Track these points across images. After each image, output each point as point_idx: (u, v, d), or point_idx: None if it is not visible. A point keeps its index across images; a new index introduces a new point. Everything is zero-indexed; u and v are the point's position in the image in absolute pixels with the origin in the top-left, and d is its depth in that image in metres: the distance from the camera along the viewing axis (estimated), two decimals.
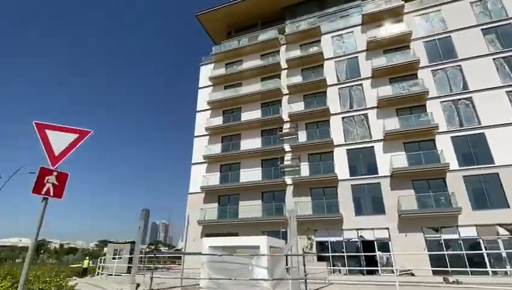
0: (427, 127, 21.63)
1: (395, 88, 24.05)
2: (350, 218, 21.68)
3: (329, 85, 26.62)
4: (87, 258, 25.77)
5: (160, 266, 29.20)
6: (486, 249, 18.46)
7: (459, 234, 19.24)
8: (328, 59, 27.78)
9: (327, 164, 23.91)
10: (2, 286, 7.14)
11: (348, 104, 25.47)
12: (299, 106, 26.84)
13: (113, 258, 23.77)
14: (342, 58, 27.42)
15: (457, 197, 19.62)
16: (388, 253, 19.91)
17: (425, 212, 19.90)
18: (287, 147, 25.51)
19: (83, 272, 22.51)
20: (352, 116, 24.89)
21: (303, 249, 15.87)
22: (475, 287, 12.19)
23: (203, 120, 30.22)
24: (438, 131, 21.62)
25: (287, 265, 9.31)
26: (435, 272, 17.13)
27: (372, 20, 27.31)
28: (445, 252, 18.65)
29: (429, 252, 18.86)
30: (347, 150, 23.85)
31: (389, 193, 21.37)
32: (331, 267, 19.81)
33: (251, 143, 27.29)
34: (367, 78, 25.56)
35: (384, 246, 20.42)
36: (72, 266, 36.44)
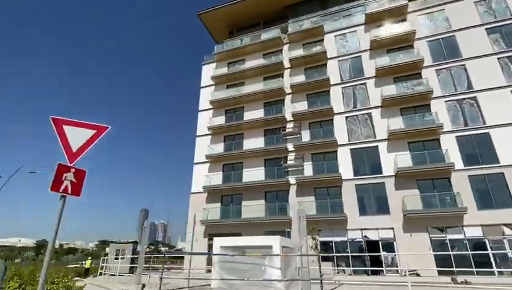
0: (431, 126, 21.53)
1: (399, 87, 23.94)
2: (354, 218, 21.55)
3: (333, 84, 26.51)
4: (90, 258, 25.59)
5: (161, 266, 29.04)
6: (491, 249, 18.36)
7: (464, 234, 19.14)
8: (331, 58, 27.66)
9: (331, 164, 23.79)
10: (9, 287, 7.00)
11: (352, 104, 25.36)
12: (302, 106, 26.72)
13: (116, 259, 23.62)
14: (345, 57, 27.30)
15: (462, 197, 19.53)
16: (393, 253, 19.80)
17: (430, 212, 19.79)
18: (290, 147, 25.38)
19: (85, 273, 22.33)
20: (356, 115, 24.77)
21: (312, 249, 15.76)
22: (484, 287, 12.10)
23: (206, 119, 30.07)
24: (443, 130, 21.52)
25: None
26: (440, 273, 17.06)
27: (376, 19, 27.21)
28: (450, 253, 18.53)
29: (434, 253, 18.75)
30: (351, 149, 23.74)
31: (393, 193, 21.26)
32: (336, 268, 19.70)
33: (254, 143, 27.16)
34: (371, 78, 25.45)
35: (389, 246, 20.31)
36: (69, 266, 36.24)
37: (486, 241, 18.64)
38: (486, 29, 23.76)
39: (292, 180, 24.25)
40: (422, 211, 19.98)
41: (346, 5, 30.59)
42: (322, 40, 28.92)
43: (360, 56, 26.71)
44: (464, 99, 22.36)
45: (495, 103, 21.17)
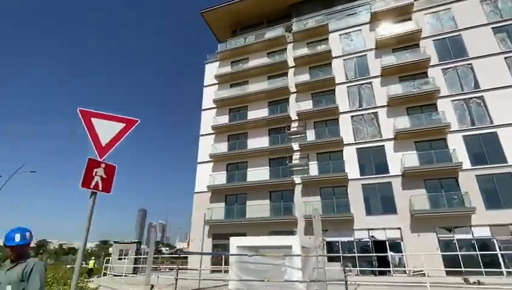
0: (438, 126, 21.38)
1: (405, 87, 23.80)
2: (361, 218, 21.38)
3: (338, 83, 26.34)
4: (93, 258, 25.32)
5: (162, 266, 28.80)
6: (500, 250, 18.21)
7: (472, 234, 19.00)
8: (336, 57, 27.50)
9: (337, 163, 23.61)
10: None
11: (357, 103, 25.19)
12: (307, 105, 26.54)
13: (119, 259, 23.38)
14: (350, 56, 27.14)
15: (470, 197, 19.39)
16: (400, 253, 19.64)
17: (438, 212, 19.64)
18: (295, 146, 25.18)
19: (89, 273, 22.05)
20: (362, 114, 24.61)
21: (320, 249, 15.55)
22: (497, 287, 11.96)
23: (209, 118, 29.84)
24: (450, 130, 21.39)
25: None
26: (448, 273, 16.93)
27: (381, 18, 27.07)
28: (458, 253, 18.39)
29: (442, 253, 18.59)
30: (357, 149, 23.57)
31: (400, 193, 21.10)
32: (341, 268, 19.49)
33: (258, 142, 26.95)
34: (376, 77, 25.29)
35: (396, 246, 20.15)
36: (69, 266, 35.90)
37: (495, 241, 18.50)
38: (492, 28, 23.65)
39: (297, 179, 24.06)
40: (430, 211, 19.83)
41: (350, 4, 30.44)
42: (327, 39, 28.74)
43: (365, 55, 26.55)
44: (471, 98, 22.23)
45: (502, 102, 21.04)
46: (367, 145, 23.43)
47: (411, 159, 21.53)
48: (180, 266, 9.85)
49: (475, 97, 22.13)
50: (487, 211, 19.05)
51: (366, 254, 19.84)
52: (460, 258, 18.06)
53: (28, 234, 2.55)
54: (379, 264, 19.76)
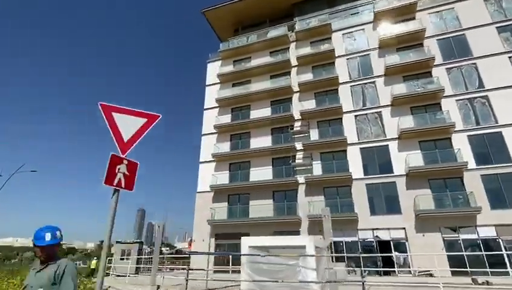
0: (443, 125, 21.30)
1: (410, 86, 23.73)
2: (365, 218, 21.28)
3: (341, 83, 26.23)
4: (95, 258, 25.14)
5: (164, 266, 28.58)
6: (506, 250, 18.13)
7: (477, 234, 18.92)
8: (339, 56, 27.38)
9: (340, 163, 23.51)
10: None
11: (361, 102, 25.09)
12: (310, 104, 26.42)
13: (121, 259, 23.20)
14: (353, 55, 27.04)
15: (475, 197, 19.31)
16: (405, 253, 19.54)
17: (443, 212, 19.55)
18: (298, 146, 25.05)
19: (91, 273, 21.87)
20: (366, 114, 24.51)
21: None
22: (505, 288, 11.86)
23: (211, 118, 29.68)
24: (455, 130, 21.31)
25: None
26: (453, 273, 16.84)
27: (384, 17, 26.97)
28: (464, 253, 18.30)
29: (448, 253, 18.50)
30: (361, 148, 23.47)
31: (405, 193, 21.01)
32: (347, 268, 19.38)
33: (261, 141, 26.82)
34: (380, 76, 25.20)
35: (401, 246, 20.06)
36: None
37: (500, 242, 18.42)
38: (496, 28, 23.58)
39: (301, 179, 23.93)
40: (435, 211, 19.73)
41: (353, 3, 30.36)
42: (330, 38, 28.64)
43: (368, 54, 26.45)
44: (475, 98, 22.15)
45: (507, 102, 20.96)
46: (371, 144, 23.33)
47: (415, 158, 21.43)
48: (189, 267, 9.71)
49: (479, 97, 22.05)
50: (492, 211, 18.97)
51: (371, 254, 19.72)
52: (465, 258, 17.99)
53: (58, 233, 2.40)
54: (384, 264, 19.66)
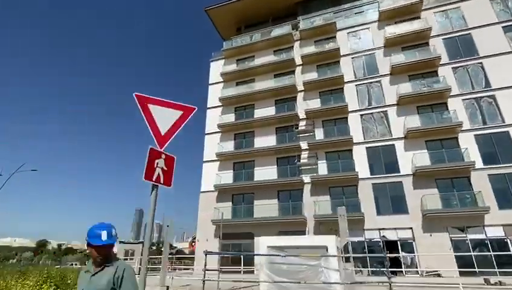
0: (450, 124, 21.18)
1: (416, 85, 23.62)
2: (372, 217, 21.12)
3: (347, 82, 26.08)
4: None
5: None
6: None
7: (485, 234, 18.80)
8: (344, 55, 27.23)
9: (346, 162, 23.35)
10: None
11: (367, 101, 24.95)
12: (314, 103, 26.23)
13: (124, 259, 22.97)
14: (358, 54, 26.89)
15: (483, 196, 19.20)
16: (412, 253, 19.40)
17: (450, 212, 19.42)
18: (303, 145, 24.87)
19: None
20: (371, 113, 24.36)
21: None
22: None
23: (214, 117, 29.45)
24: (461, 129, 21.19)
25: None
26: (461, 273, 16.70)
27: (390, 16, 26.85)
28: (472, 253, 18.18)
29: (455, 253, 18.38)
30: (366, 148, 23.31)
31: (411, 192, 20.88)
32: (354, 268, 19.22)
33: (265, 141, 26.62)
34: (385, 75, 25.07)
35: (408, 246, 19.92)
36: (71, 266, 35.29)
37: (508, 241, 18.30)
38: (503, 27, 23.49)
39: (306, 179, 23.74)
40: (442, 211, 19.61)
41: (357, 2, 30.20)
42: (334, 37, 28.48)
43: (374, 53, 26.32)
44: (482, 97, 22.05)
45: None
46: (377, 144, 23.18)
47: (422, 158, 21.30)
48: (205, 268, 9.46)
49: (486, 96, 21.95)
50: (500, 211, 18.86)
51: (378, 255, 19.54)
52: (473, 258, 17.88)
53: (114, 231, 2.18)
54: (391, 264, 19.46)
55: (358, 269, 20.29)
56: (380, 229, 20.83)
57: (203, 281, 7.85)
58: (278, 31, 30.74)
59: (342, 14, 29.90)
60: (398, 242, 20.14)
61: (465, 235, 19.11)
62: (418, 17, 26.27)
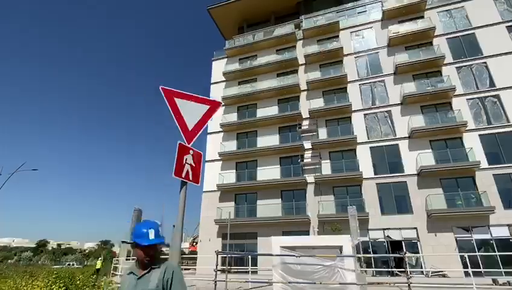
0: (455, 124, 21.09)
1: (420, 85, 23.55)
2: (376, 217, 21.02)
3: (350, 81, 25.98)
4: (101, 259, 24.70)
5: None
6: None
7: (491, 234, 18.72)
8: (347, 55, 27.14)
9: (350, 162, 23.24)
10: None
11: (370, 101, 24.85)
12: (317, 103, 26.14)
13: (127, 259, 22.74)
14: (362, 54, 26.80)
15: (488, 196, 19.12)
16: (417, 253, 19.30)
17: (455, 212, 19.32)
18: (306, 145, 24.75)
19: (96, 273, 21.44)
20: (375, 113, 24.27)
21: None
22: None
23: (216, 116, 29.26)
24: (466, 129, 21.12)
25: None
26: (467, 273, 16.57)
27: (393, 15, 26.77)
28: (477, 253, 18.07)
29: (461, 253, 18.25)
30: (370, 147, 23.22)
31: (416, 192, 20.78)
32: (360, 269, 19.12)
33: (268, 140, 26.48)
34: (389, 75, 24.98)
35: (413, 246, 19.82)
36: (70, 266, 35.09)
37: None
38: (507, 27, 23.44)
39: (309, 178, 23.63)
40: (447, 211, 19.50)
41: (360, 1, 30.10)
42: (337, 36, 28.39)
43: (377, 53, 26.23)
44: (486, 97, 21.98)
45: None
46: (381, 144, 23.08)
47: (427, 158, 21.22)
48: (216, 267, 9.34)
49: (491, 96, 21.89)
50: (506, 211, 18.78)
51: (384, 255, 19.50)
52: (478, 258, 17.77)
53: (160, 229, 2.04)
54: (396, 264, 19.40)
55: (363, 269, 20.22)
56: (384, 229, 20.72)
57: (215, 282, 7.70)
58: (280, 30, 30.62)
59: (345, 13, 29.81)
60: (403, 242, 20.05)
61: (470, 235, 19.03)
62: (422, 17, 26.22)
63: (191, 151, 3.11)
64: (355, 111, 24.73)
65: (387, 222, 20.75)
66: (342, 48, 26.92)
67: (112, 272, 20.39)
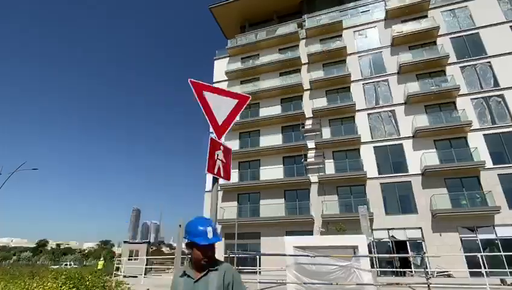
0: (460, 124, 21.04)
1: (424, 84, 23.49)
2: (380, 217, 20.92)
3: (353, 80, 25.90)
4: (102, 259, 24.54)
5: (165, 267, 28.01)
6: None
7: (495, 234, 18.66)
8: (350, 54, 27.05)
9: (354, 162, 23.16)
10: None
11: (374, 100, 24.78)
12: (321, 102, 26.05)
13: (129, 259, 22.61)
14: (365, 53, 26.72)
15: (493, 196, 19.07)
16: (422, 253, 19.19)
17: (460, 212, 19.25)
18: (310, 144, 24.65)
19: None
20: (379, 112, 24.19)
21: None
22: None
23: None
24: (470, 128, 21.07)
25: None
26: (472, 274, 16.54)
27: (397, 15, 26.71)
28: (482, 254, 17.95)
29: (466, 253, 18.18)
30: (374, 147, 23.13)
31: (420, 192, 20.71)
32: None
33: (271, 140, 26.38)
34: (393, 74, 24.91)
35: (418, 246, 19.75)
36: (70, 267, 34.87)
37: None
38: (511, 26, 23.40)
39: (313, 178, 23.52)
40: (452, 211, 19.44)
41: (363, 0, 30.02)
42: (341, 35, 28.30)
43: (381, 52, 26.16)
44: (491, 97, 21.93)
45: None
46: (385, 143, 23.01)
47: (431, 157, 21.15)
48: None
49: (495, 95, 21.84)
50: (511, 211, 18.74)
51: (390, 255, 19.40)
52: (484, 258, 17.66)
53: (216, 227, 1.89)
54: (401, 265, 19.32)
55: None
56: (388, 229, 20.64)
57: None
58: (283, 29, 30.52)
59: (348, 13, 29.73)
60: (407, 242, 19.98)
61: (475, 235, 18.97)
62: (425, 16, 26.16)
63: (222, 147, 2.99)
64: (358, 110, 24.64)
65: (391, 222, 20.67)
66: (345, 47, 26.84)
67: (114, 272, 20.23)
